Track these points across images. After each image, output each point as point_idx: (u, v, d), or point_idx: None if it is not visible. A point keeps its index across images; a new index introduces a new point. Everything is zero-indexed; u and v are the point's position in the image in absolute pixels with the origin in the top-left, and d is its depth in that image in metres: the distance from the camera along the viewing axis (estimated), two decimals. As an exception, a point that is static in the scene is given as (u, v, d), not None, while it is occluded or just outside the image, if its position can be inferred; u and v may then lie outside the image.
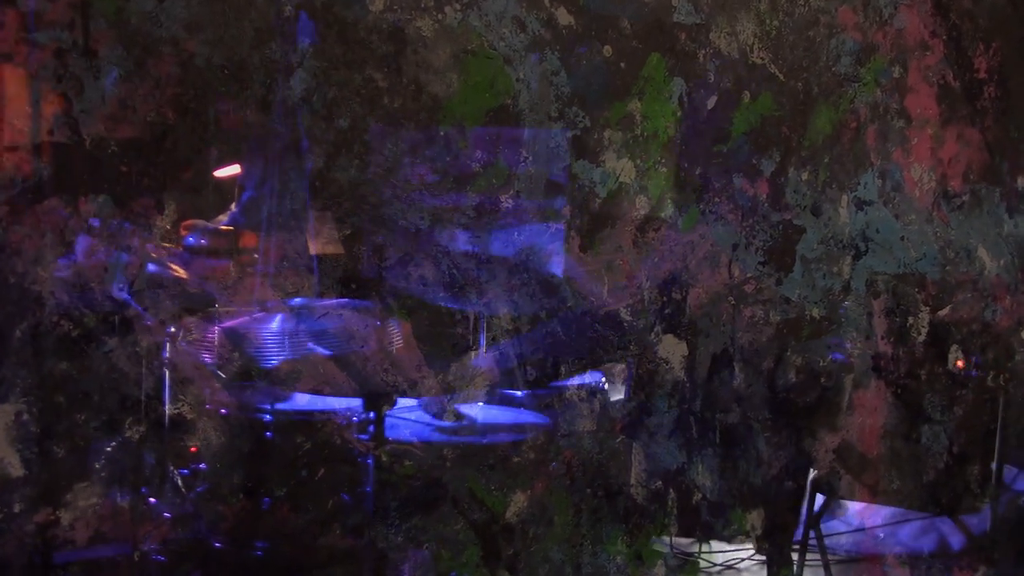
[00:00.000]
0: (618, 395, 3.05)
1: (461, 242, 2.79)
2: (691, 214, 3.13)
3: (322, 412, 2.24)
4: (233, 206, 2.04)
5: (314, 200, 2.48)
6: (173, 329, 1.91)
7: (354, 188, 2.64)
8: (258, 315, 2.04)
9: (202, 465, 2.05)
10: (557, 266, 2.94)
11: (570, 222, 2.95)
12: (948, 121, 3.67)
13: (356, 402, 2.47)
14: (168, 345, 1.90)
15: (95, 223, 1.86)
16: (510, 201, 2.86)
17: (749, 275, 3.25)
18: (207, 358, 1.95)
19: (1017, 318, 3.83)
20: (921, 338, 3.60)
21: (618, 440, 3.05)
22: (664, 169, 3.06)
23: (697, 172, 3.14)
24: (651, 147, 3.05)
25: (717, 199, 3.18)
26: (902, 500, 3.61)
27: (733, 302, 3.21)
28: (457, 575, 2.69)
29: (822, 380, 3.41)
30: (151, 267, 1.87)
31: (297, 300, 2.16)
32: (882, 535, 3.60)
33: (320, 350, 2.16)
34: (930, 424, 3.65)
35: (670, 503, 3.14)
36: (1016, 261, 3.79)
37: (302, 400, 2.17)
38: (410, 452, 2.75)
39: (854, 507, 3.56)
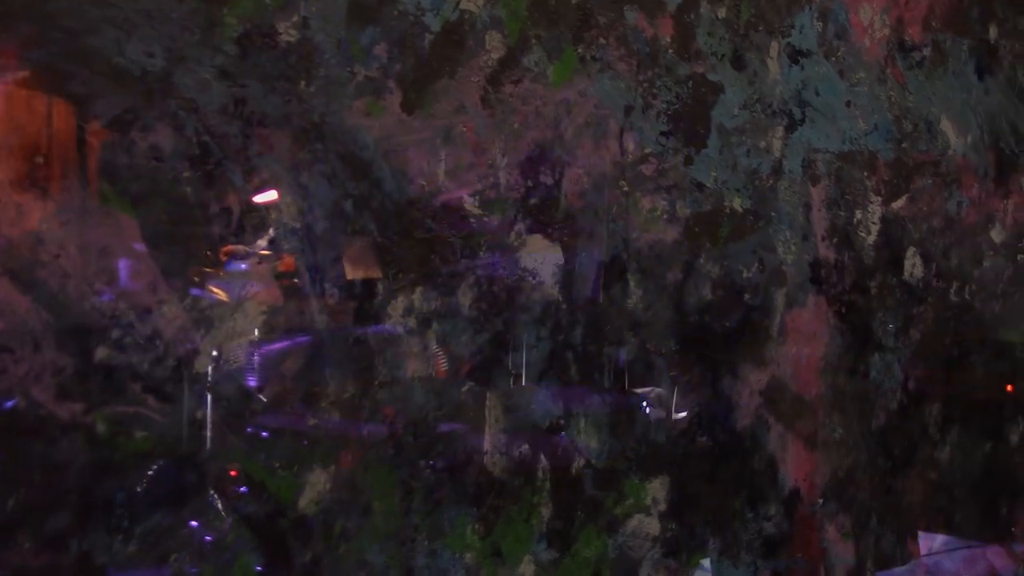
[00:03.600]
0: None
1: (217, 96, 1.94)
2: (565, 61, 2.33)
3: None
4: (272, 231, 1.96)
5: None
6: (216, 353, 1.90)
7: (34, 5, 1.75)
8: (300, 339, 2.02)
9: (243, 488, 1.97)
10: (368, 133, 2.11)
11: (387, 67, 2.11)
12: (905, -54, 2.94)
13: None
14: (211, 369, 1.90)
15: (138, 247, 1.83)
16: (293, 32, 2.00)
17: (648, 150, 2.46)
18: (251, 382, 1.96)
19: (986, 213, 3.14)
20: (871, 238, 2.89)
21: (465, 388, 2.25)
22: (526, -6, 2.25)
23: (573, 1, 2.33)
24: (506, -40, 2.23)
25: (603, 40, 2.38)
26: (846, 453, 2.90)
27: (626, 189, 2.44)
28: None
29: (746, 297, 2.67)
30: (193, 291, 1.89)
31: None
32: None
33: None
34: (881, 353, 2.95)
35: (541, 475, 2.36)
36: (986, 138, 3.09)
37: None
38: (142, 417, 1.91)
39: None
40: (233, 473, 1.96)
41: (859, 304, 2.89)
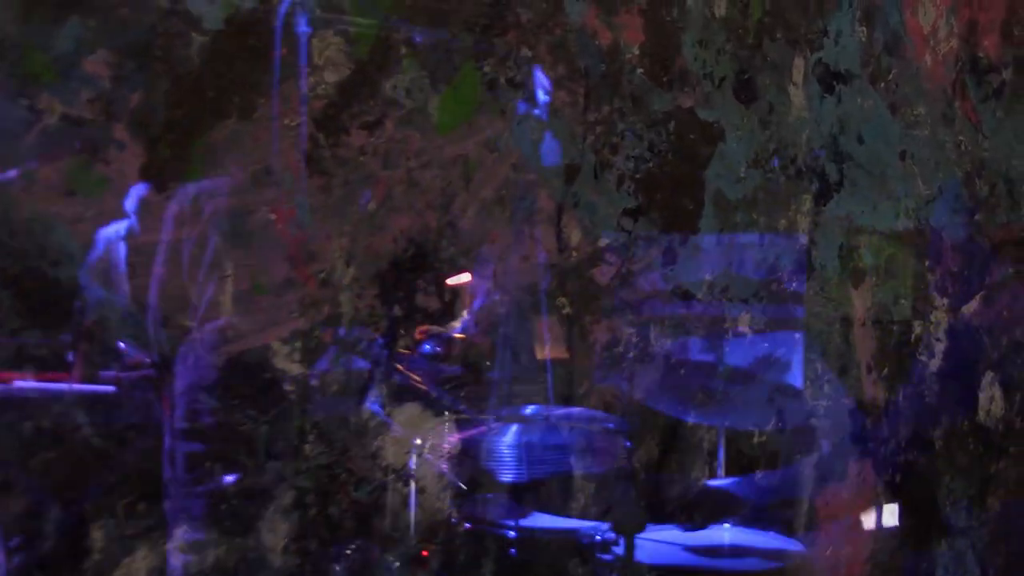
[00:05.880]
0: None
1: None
2: (461, 87, 1.46)
3: (565, 531, 2.02)
4: (465, 313, 1.80)
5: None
6: (419, 441, 1.80)
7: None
8: (494, 425, 1.92)
9: (443, 577, 2.09)
10: (71, 231, 1.12)
11: (110, 98, 1.13)
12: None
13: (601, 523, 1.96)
14: (414, 456, 1.81)
15: (342, 332, 1.68)
16: None
17: (604, 242, 1.74)
18: (446, 469, 1.88)
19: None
20: (935, 363, 2.06)
21: None
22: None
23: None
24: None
25: (527, 49, 1.48)
26: None
27: (568, 311, 1.55)
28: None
29: (757, 476, 1.82)
30: (396, 376, 1.80)
31: (531, 409, 1.94)
32: None
33: (559, 467, 2.04)
34: (949, 539, 2.09)
35: None
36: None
37: (543, 518, 2.02)
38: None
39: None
40: (424, 553, 1.77)
41: (919, 467, 2.05)
